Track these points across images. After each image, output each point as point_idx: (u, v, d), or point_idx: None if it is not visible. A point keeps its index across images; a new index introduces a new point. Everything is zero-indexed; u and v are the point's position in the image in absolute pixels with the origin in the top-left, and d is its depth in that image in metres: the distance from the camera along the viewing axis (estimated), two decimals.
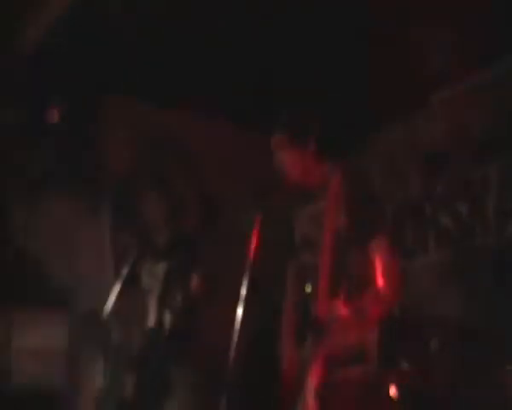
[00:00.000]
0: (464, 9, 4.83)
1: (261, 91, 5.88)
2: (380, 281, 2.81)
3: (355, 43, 5.37)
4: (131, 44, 5.32)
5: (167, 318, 4.09)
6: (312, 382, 2.81)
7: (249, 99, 6.00)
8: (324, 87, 5.67)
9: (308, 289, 2.95)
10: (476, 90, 5.82)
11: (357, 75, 5.70)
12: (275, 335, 3.39)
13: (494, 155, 5.67)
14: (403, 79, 5.75)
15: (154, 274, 4.43)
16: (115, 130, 6.18)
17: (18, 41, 5.41)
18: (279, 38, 5.29)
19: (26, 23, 5.29)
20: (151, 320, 4.25)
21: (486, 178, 5.71)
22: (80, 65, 5.48)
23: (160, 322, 4.13)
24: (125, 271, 4.22)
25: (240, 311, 2.89)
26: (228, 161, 6.60)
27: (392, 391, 4.05)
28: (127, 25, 5.11)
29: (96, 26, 5.15)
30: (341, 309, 2.71)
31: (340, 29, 5.22)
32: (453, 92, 6.01)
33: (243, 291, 2.90)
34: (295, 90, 5.38)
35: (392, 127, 6.59)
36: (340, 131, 3.62)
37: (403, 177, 6.45)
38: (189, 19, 5.14)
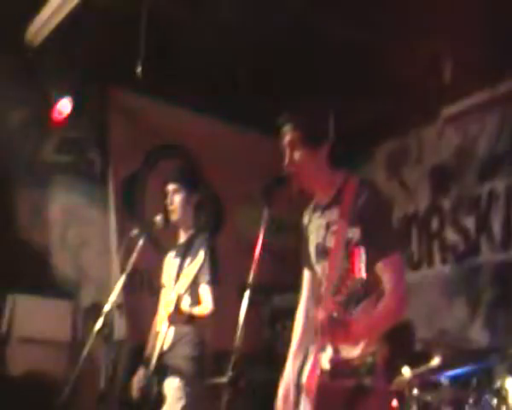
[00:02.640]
0: (474, 25, 4.80)
1: (265, 88, 5.81)
2: (390, 296, 2.74)
3: (363, 52, 5.36)
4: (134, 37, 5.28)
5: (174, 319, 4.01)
6: (307, 385, 2.76)
7: (252, 95, 5.93)
8: (333, 95, 5.61)
9: None
10: (484, 107, 5.82)
11: (367, 86, 5.66)
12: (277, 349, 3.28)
13: (501, 170, 5.67)
14: (412, 94, 5.72)
15: (168, 270, 4.41)
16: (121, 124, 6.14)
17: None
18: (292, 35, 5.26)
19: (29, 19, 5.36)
20: (158, 321, 4.18)
21: (493, 194, 5.69)
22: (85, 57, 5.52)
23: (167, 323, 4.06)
24: (129, 266, 4.13)
25: (242, 319, 2.79)
26: (230, 161, 6.56)
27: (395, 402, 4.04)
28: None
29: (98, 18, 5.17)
30: (349, 321, 2.65)
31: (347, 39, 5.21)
32: (461, 108, 6.00)
33: (245, 301, 2.80)
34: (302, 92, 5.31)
35: (400, 140, 6.58)
36: (350, 141, 3.55)
37: (410, 190, 6.41)
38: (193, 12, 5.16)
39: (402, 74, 5.43)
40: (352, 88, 5.63)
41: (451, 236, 5.97)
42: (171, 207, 4.32)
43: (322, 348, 2.78)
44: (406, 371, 4.30)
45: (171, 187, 4.34)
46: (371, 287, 2.74)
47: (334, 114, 3.03)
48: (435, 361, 4.30)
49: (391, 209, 2.96)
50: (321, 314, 2.64)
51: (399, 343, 4.64)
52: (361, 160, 6.53)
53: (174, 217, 4.32)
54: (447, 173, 6.11)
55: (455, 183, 6.03)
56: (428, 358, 4.32)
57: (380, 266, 2.76)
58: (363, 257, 2.47)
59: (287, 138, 2.97)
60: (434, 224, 6.13)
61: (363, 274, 2.45)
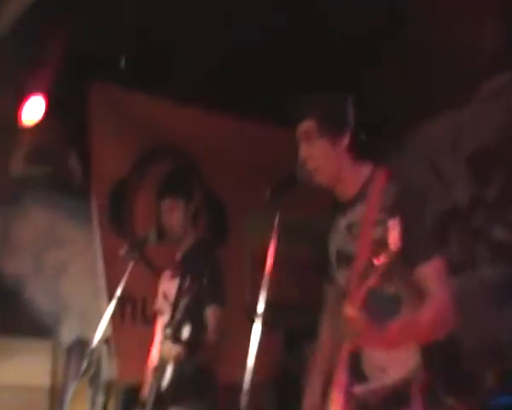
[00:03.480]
0: None
1: (273, 72, 5.81)
2: (433, 307, 2.68)
3: (390, 30, 5.40)
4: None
5: (173, 352, 3.98)
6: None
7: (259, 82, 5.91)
8: (356, 78, 5.59)
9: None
10: None
11: (394, 66, 5.62)
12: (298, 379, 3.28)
13: None
14: (443, 71, 5.68)
15: (166, 293, 4.36)
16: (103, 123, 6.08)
17: None
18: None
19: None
20: (155, 355, 4.16)
21: None
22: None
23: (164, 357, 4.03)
24: (118, 293, 4.11)
25: (255, 344, 2.76)
26: (234, 160, 6.49)
27: None
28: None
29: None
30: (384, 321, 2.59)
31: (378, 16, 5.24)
32: (502, 84, 5.88)
33: (258, 326, 2.77)
34: (319, 78, 5.29)
35: (433, 126, 6.48)
36: (376, 127, 3.52)
37: (446, 182, 6.32)
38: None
39: (436, 44, 5.41)
40: (378, 63, 5.64)
41: (499, 233, 5.84)
42: (168, 226, 4.32)
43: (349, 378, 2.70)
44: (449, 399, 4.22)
45: (165, 202, 4.35)
46: (401, 301, 2.74)
47: (355, 96, 3.00)
48: (487, 383, 4.23)
49: (425, 207, 2.91)
50: (347, 311, 2.56)
51: (441, 363, 4.57)
52: (389, 148, 6.47)
53: (173, 234, 4.35)
54: (490, 159, 5.99)
55: (499, 170, 5.90)
56: (479, 380, 4.26)
57: (420, 273, 2.72)
58: (398, 228, 2.42)
59: (301, 129, 2.97)
60: (477, 220, 6.02)
61: (396, 246, 2.40)
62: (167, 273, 4.48)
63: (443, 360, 4.52)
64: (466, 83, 5.87)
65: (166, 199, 4.36)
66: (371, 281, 2.50)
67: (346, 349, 2.67)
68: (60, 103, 5.71)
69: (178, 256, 4.43)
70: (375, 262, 2.46)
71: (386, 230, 2.43)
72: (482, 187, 6.04)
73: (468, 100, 6.09)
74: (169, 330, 3.95)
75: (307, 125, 2.93)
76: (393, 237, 2.41)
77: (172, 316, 3.99)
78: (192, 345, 3.97)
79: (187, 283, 4.01)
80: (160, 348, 4.09)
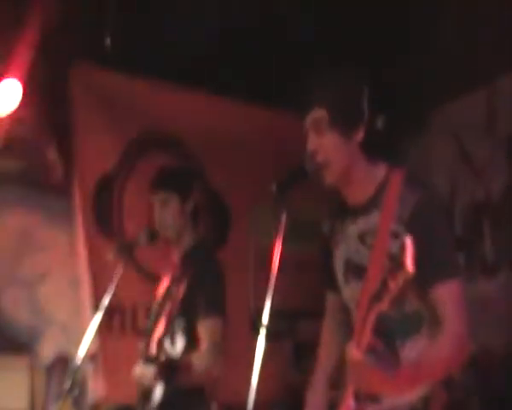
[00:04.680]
0: None
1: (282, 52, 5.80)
2: (447, 335, 2.70)
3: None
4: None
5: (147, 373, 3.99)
6: None
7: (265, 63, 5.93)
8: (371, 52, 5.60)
9: None
10: None
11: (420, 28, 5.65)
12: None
13: None
14: (480, 35, 5.68)
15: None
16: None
17: None
18: None
19: None
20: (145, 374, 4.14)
21: None
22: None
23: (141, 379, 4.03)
24: (105, 302, 4.12)
25: (259, 359, 2.77)
26: (236, 151, 6.52)
27: None
28: None
29: None
30: (391, 366, 2.62)
31: None
32: None
33: (262, 338, 2.77)
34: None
35: (464, 101, 6.46)
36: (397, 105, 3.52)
37: (478, 169, 6.32)
38: None
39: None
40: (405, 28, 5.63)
41: None
42: (161, 223, 4.32)
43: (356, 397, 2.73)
44: None
45: (158, 197, 4.34)
46: (425, 319, 2.77)
47: (372, 78, 3.01)
48: None
49: (448, 218, 2.93)
50: (352, 354, 2.61)
51: (472, 378, 4.56)
52: (411, 128, 6.47)
53: (166, 233, 4.33)
54: None
55: None
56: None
57: (434, 294, 2.74)
58: (412, 248, 2.42)
59: (310, 118, 2.96)
60: None
61: (411, 268, 2.40)
62: (164, 279, 4.47)
63: (471, 376, 4.55)
64: (504, 52, 5.87)
65: (159, 193, 4.35)
66: (383, 305, 2.52)
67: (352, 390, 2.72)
68: (37, 89, 5.74)
69: (176, 260, 4.42)
70: (389, 284, 2.48)
71: (402, 248, 2.44)
72: None
73: (507, 73, 6.07)
74: (144, 348, 3.96)
75: (317, 113, 2.93)
76: (409, 257, 2.42)
77: (156, 330, 4.01)
78: (173, 365, 3.94)
79: (181, 290, 4.03)
80: (136, 368, 4.09)
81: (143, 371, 3.96)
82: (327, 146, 2.91)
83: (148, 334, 4.25)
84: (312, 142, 2.94)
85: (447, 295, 2.72)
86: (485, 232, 6.19)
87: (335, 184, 2.97)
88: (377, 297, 2.52)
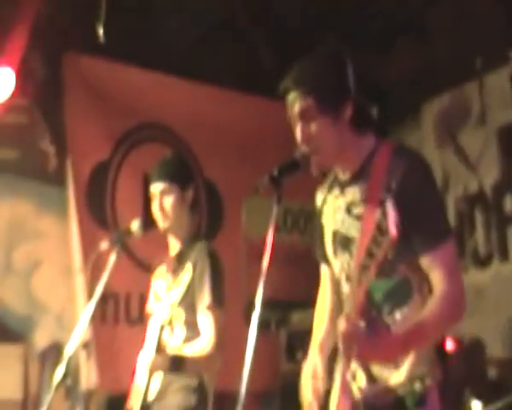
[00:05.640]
0: None
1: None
2: (441, 298, 2.70)
3: None
4: None
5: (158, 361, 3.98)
6: None
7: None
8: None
9: None
10: None
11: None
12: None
13: None
14: (472, 27, 5.70)
15: (158, 292, 4.36)
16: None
17: None
18: None
19: None
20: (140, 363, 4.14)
21: None
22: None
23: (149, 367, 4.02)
24: (99, 291, 4.11)
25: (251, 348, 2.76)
26: (231, 140, 6.55)
27: None
28: None
29: None
30: (384, 331, 2.63)
31: None
32: None
33: (254, 325, 2.76)
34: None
35: (457, 92, 6.51)
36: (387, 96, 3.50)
37: (471, 161, 6.34)
38: None
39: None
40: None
41: None
42: (161, 214, 4.30)
43: (351, 373, 2.75)
44: (476, 407, 4.24)
45: (157, 188, 4.30)
46: (414, 288, 2.74)
47: (359, 61, 2.94)
48: None
49: (436, 185, 2.92)
50: (343, 324, 2.59)
51: (465, 368, 4.59)
52: (403, 120, 6.50)
53: (165, 224, 4.30)
54: None
55: None
56: (507, 388, 4.27)
57: (426, 261, 2.73)
58: (394, 214, 2.43)
59: (296, 108, 2.90)
60: (508, 204, 6.04)
61: (394, 232, 2.41)
62: (161, 269, 4.44)
63: (468, 363, 4.58)
64: (497, 45, 5.89)
65: (158, 183, 4.31)
66: (370, 273, 2.52)
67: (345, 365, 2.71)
68: (31, 78, 5.75)
69: (173, 250, 4.40)
70: (375, 252, 2.49)
71: (384, 215, 2.46)
72: None
73: (500, 65, 6.09)
74: (155, 337, 3.95)
75: (304, 103, 2.87)
76: (392, 222, 2.43)
77: (163, 319, 3.96)
78: (174, 358, 3.93)
79: (182, 281, 4.04)
80: (146, 356, 4.06)
81: (153, 360, 3.93)
82: (317, 132, 2.87)
83: (150, 324, 4.24)
84: (302, 132, 2.89)
85: (439, 260, 2.72)
86: (477, 224, 6.23)
87: (328, 165, 2.96)
88: (364, 267, 2.53)
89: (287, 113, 2.93)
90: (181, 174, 4.36)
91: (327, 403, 2.82)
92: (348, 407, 2.72)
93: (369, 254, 2.50)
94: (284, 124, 3.02)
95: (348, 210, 2.89)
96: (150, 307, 4.35)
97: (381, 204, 2.53)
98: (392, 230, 2.41)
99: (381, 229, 2.46)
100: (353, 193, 2.89)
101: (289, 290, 6.18)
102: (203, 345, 3.99)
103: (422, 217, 2.72)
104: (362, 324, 2.58)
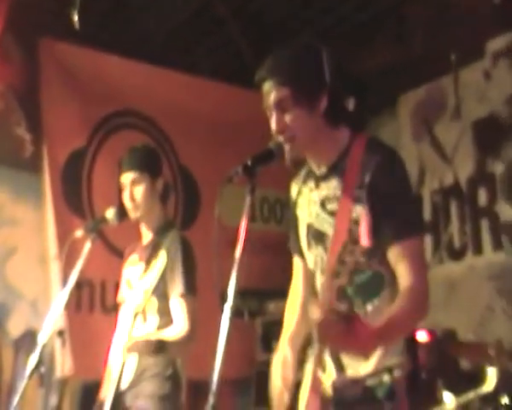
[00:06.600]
0: None
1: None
2: (407, 292, 2.73)
3: None
4: None
5: (133, 348, 3.99)
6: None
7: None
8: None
9: None
10: None
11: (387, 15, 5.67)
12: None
13: None
14: (448, 21, 5.74)
15: (130, 280, 4.37)
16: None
17: None
18: None
19: None
20: (114, 351, 4.15)
21: None
22: None
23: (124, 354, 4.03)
24: (74, 278, 4.11)
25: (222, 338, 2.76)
26: (208, 128, 6.56)
27: None
28: None
29: None
30: (356, 323, 2.64)
31: None
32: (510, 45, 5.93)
33: (226, 313, 2.76)
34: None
35: (432, 86, 6.54)
36: (363, 89, 3.51)
37: (447, 154, 6.39)
38: None
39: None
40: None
41: (507, 212, 5.90)
42: (131, 203, 4.31)
43: (321, 366, 2.77)
44: (448, 399, 4.26)
45: (128, 177, 4.29)
46: (385, 281, 2.77)
47: (335, 53, 2.93)
48: (489, 385, 4.26)
49: (409, 178, 2.93)
50: (316, 314, 2.63)
51: (437, 359, 4.61)
52: (378, 114, 6.54)
53: (136, 213, 4.30)
54: (497, 129, 6.03)
55: (508, 141, 5.96)
56: (479, 380, 4.28)
57: (393, 253, 2.75)
58: (367, 221, 2.50)
59: (272, 98, 2.90)
60: (482, 197, 6.07)
61: (366, 241, 2.46)
62: (133, 258, 4.44)
63: (439, 355, 4.61)
64: (472, 40, 5.92)
65: (128, 172, 4.31)
66: (342, 280, 2.56)
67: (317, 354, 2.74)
68: (6, 63, 5.72)
69: (146, 239, 4.41)
70: (346, 260, 2.52)
71: (356, 223, 2.52)
72: (488, 160, 6.09)
73: (475, 59, 6.14)
74: (129, 324, 3.95)
75: (280, 93, 2.87)
76: (364, 231, 2.48)
77: (136, 307, 3.92)
78: (155, 342, 3.95)
79: (155, 269, 4.05)
80: (119, 343, 4.07)
81: (130, 344, 3.93)
82: (292, 122, 2.87)
83: (122, 312, 4.25)
84: (278, 121, 2.89)
85: (407, 252, 2.73)
86: (452, 216, 6.26)
87: (301, 155, 2.96)
88: (336, 274, 2.55)
89: (263, 102, 2.94)
90: (151, 163, 4.37)
91: (296, 397, 2.86)
92: (317, 404, 2.74)
93: (341, 262, 2.54)
94: (261, 113, 3.03)
95: (323, 205, 2.91)
96: (122, 294, 4.36)
97: (359, 201, 2.57)
98: (364, 240, 2.45)
99: (352, 238, 2.51)
100: (328, 188, 2.91)
101: (266, 279, 6.20)
102: (177, 331, 4.02)
103: (394, 209, 2.74)
104: (341, 307, 2.59)
